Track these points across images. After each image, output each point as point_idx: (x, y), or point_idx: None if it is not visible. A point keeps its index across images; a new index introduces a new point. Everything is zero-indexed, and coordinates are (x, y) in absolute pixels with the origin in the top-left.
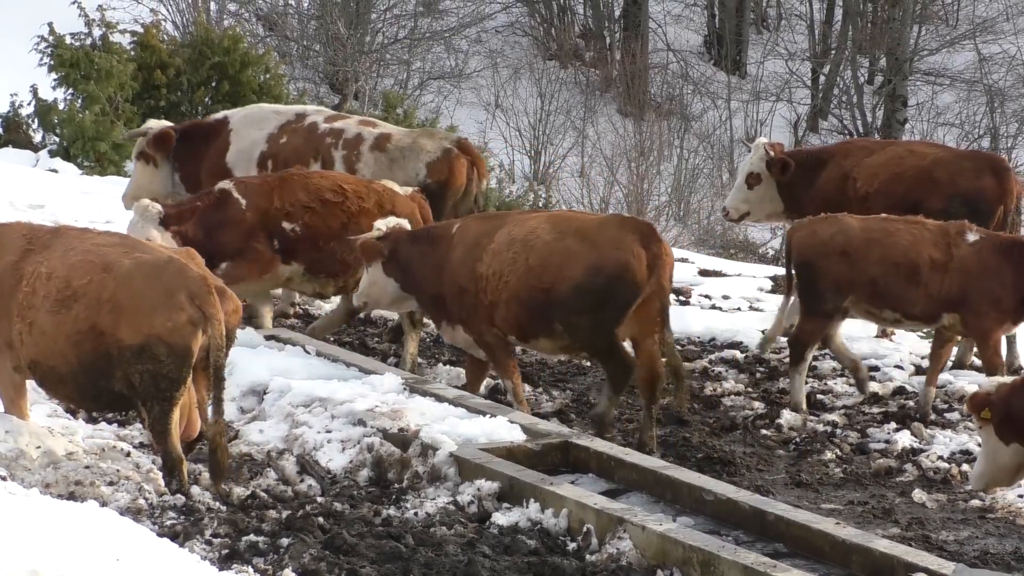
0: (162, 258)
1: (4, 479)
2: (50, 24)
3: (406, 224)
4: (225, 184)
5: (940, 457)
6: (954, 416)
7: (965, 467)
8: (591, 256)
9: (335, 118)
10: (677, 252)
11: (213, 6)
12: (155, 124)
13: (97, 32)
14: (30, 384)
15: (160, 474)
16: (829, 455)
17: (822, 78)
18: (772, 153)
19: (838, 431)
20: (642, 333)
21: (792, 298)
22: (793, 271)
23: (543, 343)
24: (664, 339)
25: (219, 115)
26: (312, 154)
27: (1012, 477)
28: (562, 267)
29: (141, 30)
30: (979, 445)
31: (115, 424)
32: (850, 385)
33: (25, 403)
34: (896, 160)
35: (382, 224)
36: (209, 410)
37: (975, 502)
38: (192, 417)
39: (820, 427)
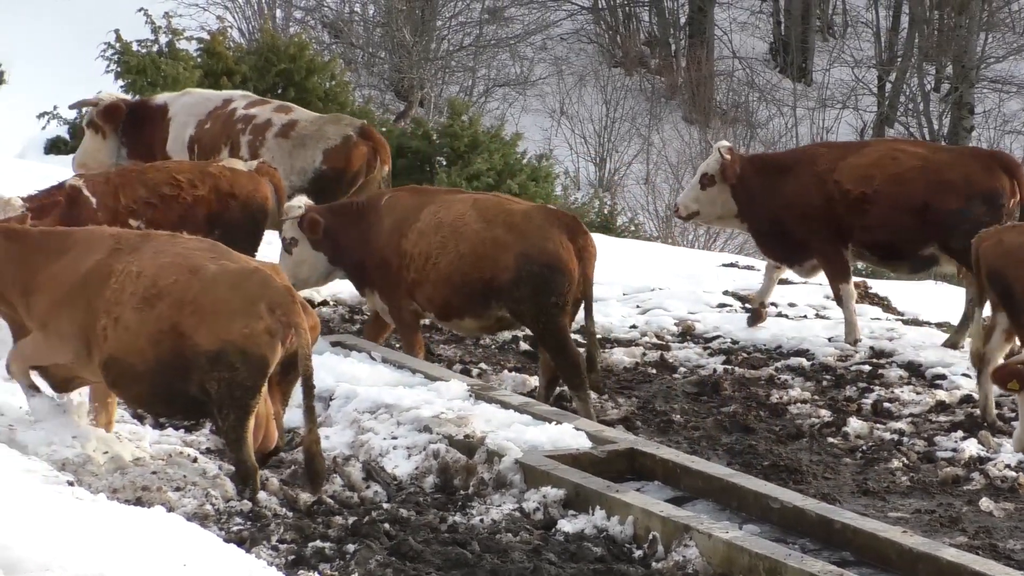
0: (248, 267)
1: (72, 484)
2: (116, 31)
3: (310, 201)
4: (75, 181)
5: (1008, 466)
6: None
7: None
8: (521, 245)
9: (255, 104)
10: (743, 259)
11: (279, 13)
12: (106, 96)
13: (163, 39)
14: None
15: (227, 480)
16: (896, 463)
17: (888, 85)
18: (727, 157)
19: (905, 439)
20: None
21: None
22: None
23: (467, 323)
24: (589, 328)
25: (160, 99)
26: (224, 140)
27: None
28: (496, 258)
29: (207, 37)
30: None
31: (182, 430)
32: (917, 393)
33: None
34: (890, 160)
35: (299, 203)
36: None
37: None
38: (269, 429)
39: (887, 435)
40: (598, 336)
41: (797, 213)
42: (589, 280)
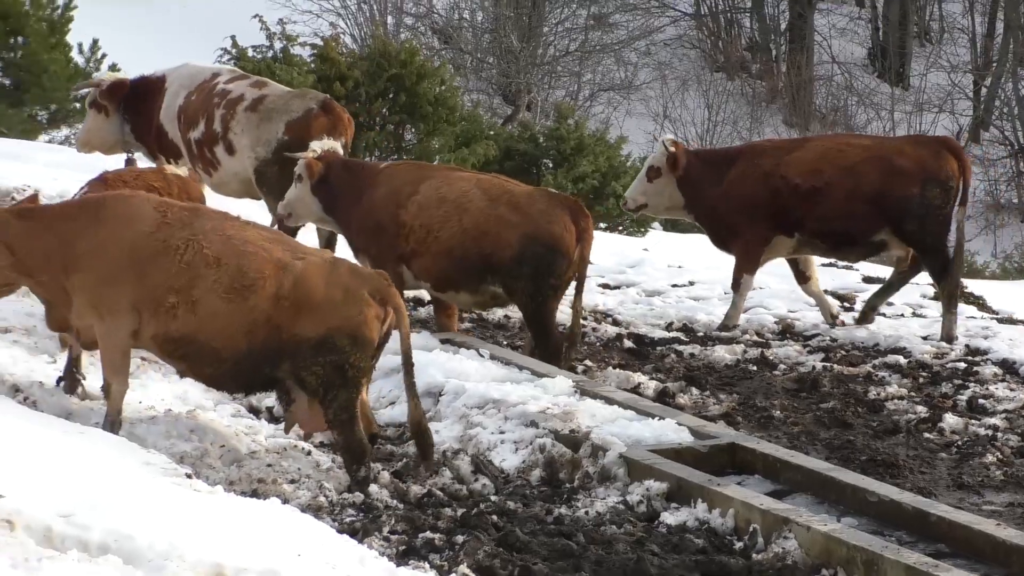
0: (327, 258)
1: (190, 476)
2: (232, 37)
3: (339, 149)
4: None
5: None
6: None
7: None
8: (526, 226)
9: (235, 79)
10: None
11: (390, 20)
12: (108, 75)
13: (278, 45)
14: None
15: (339, 472)
16: (990, 458)
17: (984, 90)
18: (672, 150)
19: (999, 435)
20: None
21: None
22: None
23: (462, 296)
24: (577, 306)
25: (160, 72)
26: (203, 112)
27: None
28: (499, 235)
29: (321, 43)
30: None
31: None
32: (1011, 389)
33: (128, 370)
34: (837, 153)
35: (317, 146)
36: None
37: None
38: (365, 413)
39: (981, 431)
40: (700, 334)
41: (737, 203)
42: (586, 261)
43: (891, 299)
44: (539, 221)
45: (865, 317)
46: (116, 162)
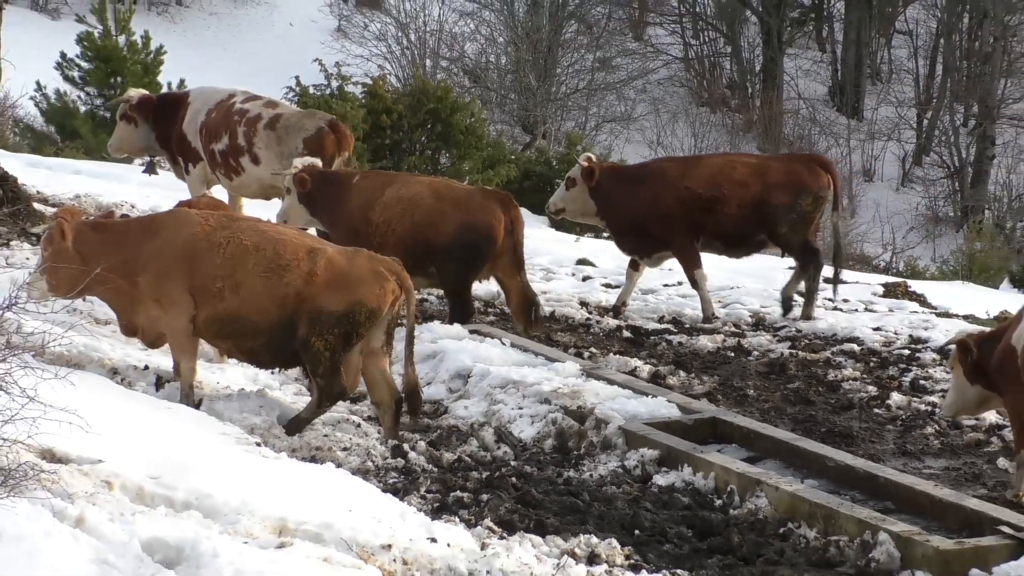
0: (350, 248)
1: (259, 445)
2: (296, 77)
3: (319, 163)
4: None
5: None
6: None
7: None
8: (465, 217)
9: (249, 99)
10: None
11: (428, 63)
12: (135, 92)
13: (335, 84)
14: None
15: (386, 444)
16: (929, 430)
17: (925, 122)
18: (586, 164)
19: (936, 410)
20: (507, 276)
21: None
22: None
23: (417, 280)
24: (523, 279)
25: (184, 91)
26: (224, 128)
27: (975, 410)
28: (442, 225)
29: (370, 82)
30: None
31: (348, 401)
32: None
33: (194, 351)
34: (731, 169)
35: (299, 163)
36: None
37: None
38: (388, 379)
39: (922, 407)
40: (687, 326)
41: (656, 215)
42: (519, 243)
43: (846, 296)
44: (476, 213)
45: (794, 307)
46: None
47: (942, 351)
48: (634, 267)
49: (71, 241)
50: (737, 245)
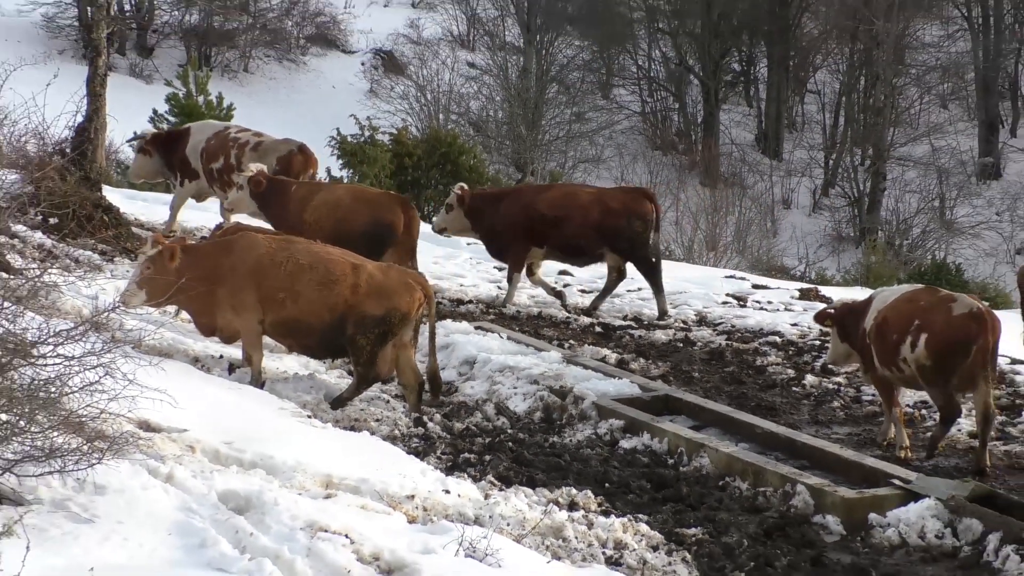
0: (385, 263)
1: (310, 417)
2: (338, 129)
3: (264, 168)
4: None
5: (908, 406)
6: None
7: (924, 411)
8: (373, 213)
9: (241, 131)
10: (739, 273)
11: (441, 116)
12: (148, 130)
13: (367, 133)
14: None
15: (410, 417)
16: (836, 404)
17: (831, 161)
18: (459, 192)
19: (842, 389)
20: (402, 260)
21: None
22: None
23: None
24: (414, 264)
25: (186, 126)
26: (221, 152)
27: (845, 361)
28: (356, 220)
29: (395, 132)
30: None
31: (380, 383)
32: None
33: (261, 346)
34: (574, 195)
35: (253, 167)
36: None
37: (929, 435)
38: (413, 366)
39: (831, 386)
40: (645, 323)
41: (509, 229)
42: (414, 236)
43: (762, 297)
44: (382, 211)
45: (590, 313)
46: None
47: (819, 316)
48: (530, 273)
49: (177, 261)
50: (578, 255)
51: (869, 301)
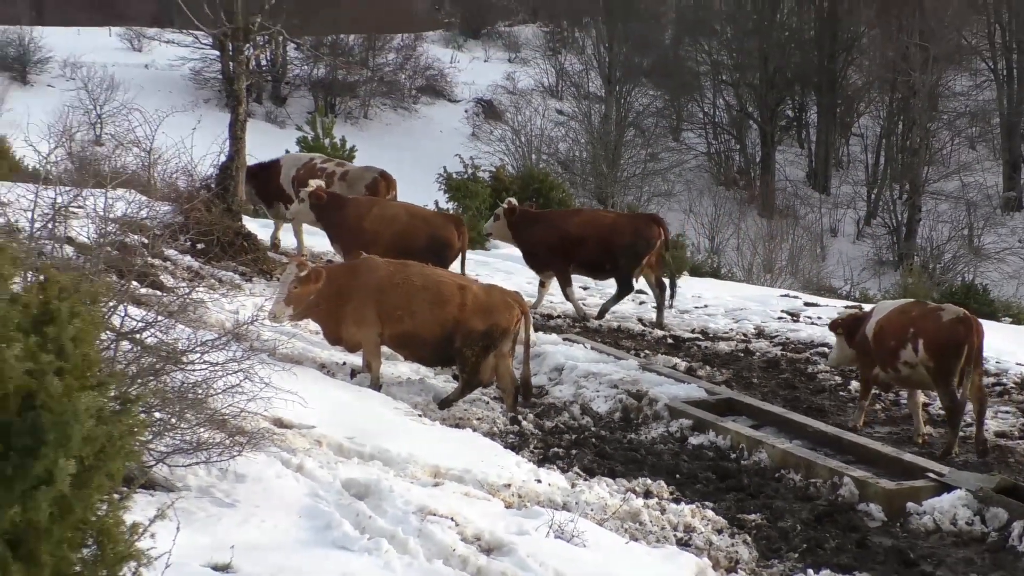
0: (488, 284)
1: (420, 416)
2: (444, 167)
3: (323, 184)
4: None
5: (940, 408)
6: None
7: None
8: (431, 230)
9: (327, 161)
10: (792, 292)
11: (533, 156)
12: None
13: (470, 171)
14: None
15: (506, 416)
16: (878, 406)
17: (873, 195)
18: (506, 206)
19: (883, 394)
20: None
21: None
22: None
23: None
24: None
25: (276, 159)
26: (310, 180)
27: (848, 363)
28: (414, 235)
29: (494, 170)
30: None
31: (480, 387)
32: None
33: (380, 355)
34: (595, 220)
35: (312, 183)
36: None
37: (962, 433)
38: (510, 373)
39: (873, 391)
40: (711, 335)
41: (544, 246)
42: (464, 248)
43: (813, 313)
44: (438, 228)
45: (661, 326)
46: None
47: (832, 325)
48: (541, 284)
49: (322, 282)
50: (595, 271)
51: (871, 312)
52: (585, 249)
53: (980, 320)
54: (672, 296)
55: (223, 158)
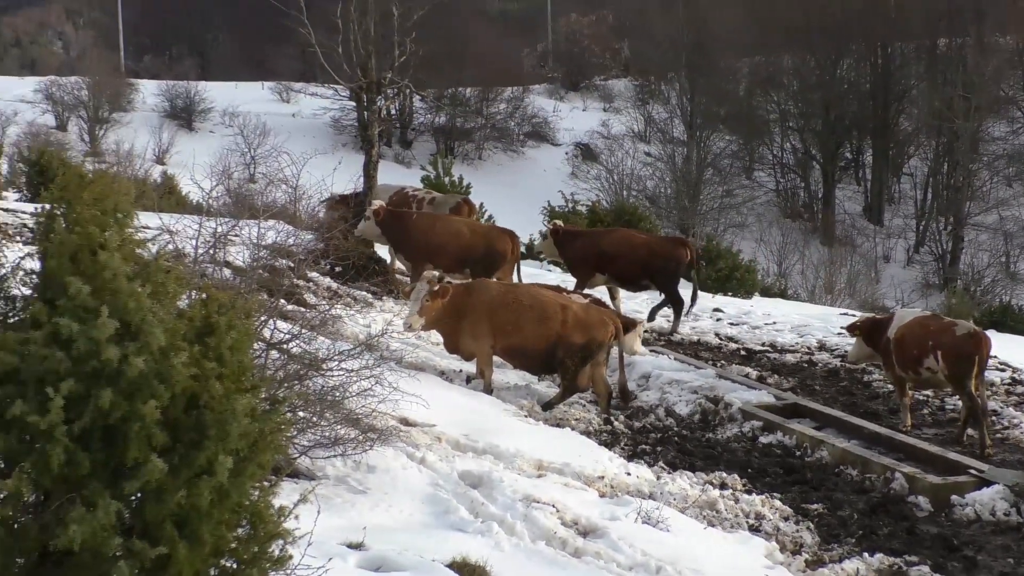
0: (586, 302)
1: (526, 416)
2: (548, 201)
3: (384, 204)
4: None
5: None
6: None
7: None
8: (489, 243)
9: (416, 190)
10: (850, 311)
11: (624, 193)
12: (337, 194)
13: (570, 205)
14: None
15: (598, 416)
16: (926, 411)
17: (921, 227)
18: (551, 227)
19: (930, 399)
20: (506, 275)
21: None
22: None
23: (457, 277)
24: (513, 280)
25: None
26: (405, 205)
27: (864, 361)
28: (474, 246)
29: (591, 204)
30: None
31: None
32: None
33: (492, 364)
34: (628, 239)
35: (376, 203)
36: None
37: (999, 435)
38: (604, 380)
39: (920, 397)
40: (779, 348)
41: (580, 259)
42: (517, 258)
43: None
44: (494, 239)
45: (651, 318)
46: None
47: (850, 327)
48: (612, 295)
49: (449, 298)
50: (629, 283)
51: (891, 318)
52: (617, 265)
53: (1015, 336)
54: (691, 308)
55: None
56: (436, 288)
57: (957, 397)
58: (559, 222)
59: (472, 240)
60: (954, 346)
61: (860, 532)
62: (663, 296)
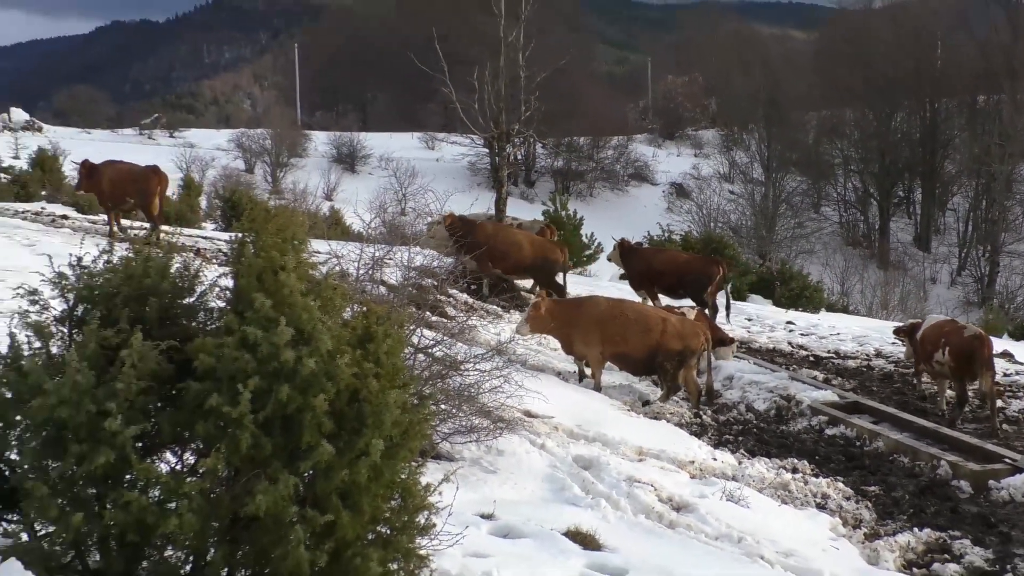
0: (683, 316)
1: (628, 410)
2: (648, 231)
3: (454, 212)
4: None
5: (1016, 411)
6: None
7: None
8: (545, 253)
9: (513, 220)
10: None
11: (712, 224)
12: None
13: (666, 235)
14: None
15: (691, 412)
16: (967, 409)
17: (963, 253)
18: (619, 241)
19: (971, 399)
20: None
21: None
22: None
23: (514, 280)
24: (565, 283)
25: (460, 214)
26: (501, 231)
27: (912, 356)
28: (535, 256)
29: (683, 234)
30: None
31: (674, 395)
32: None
33: (603, 368)
34: (672, 258)
35: (447, 211)
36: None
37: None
38: (695, 381)
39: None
40: (842, 355)
41: (636, 273)
42: (567, 266)
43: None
44: (547, 250)
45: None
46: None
47: (896, 331)
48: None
49: (545, 311)
50: (672, 293)
51: (922, 323)
52: (664, 279)
53: None
54: (727, 314)
55: None
56: (537, 304)
57: (984, 398)
58: (625, 238)
59: (528, 249)
60: (960, 344)
61: (911, 510)
62: (708, 309)
